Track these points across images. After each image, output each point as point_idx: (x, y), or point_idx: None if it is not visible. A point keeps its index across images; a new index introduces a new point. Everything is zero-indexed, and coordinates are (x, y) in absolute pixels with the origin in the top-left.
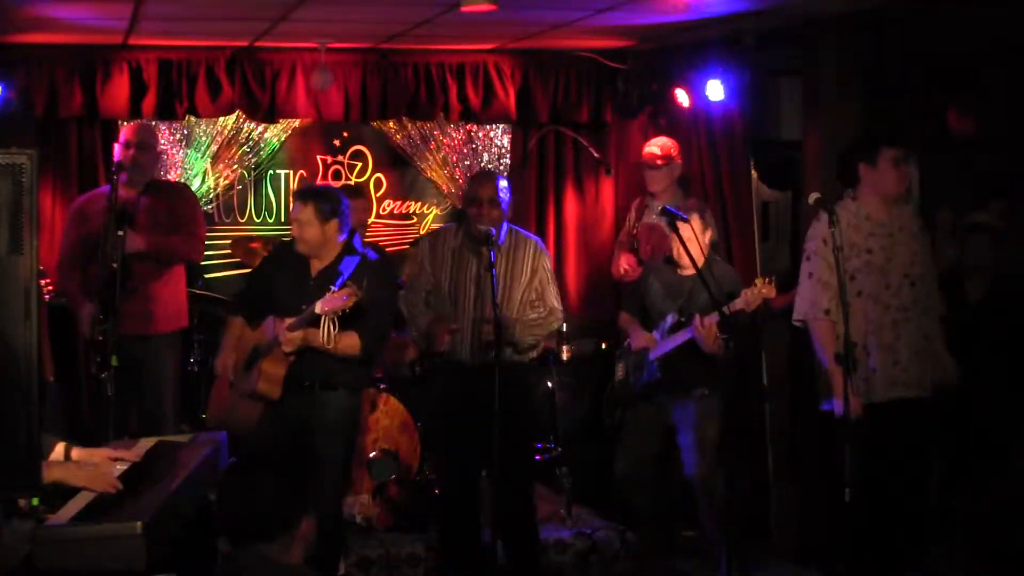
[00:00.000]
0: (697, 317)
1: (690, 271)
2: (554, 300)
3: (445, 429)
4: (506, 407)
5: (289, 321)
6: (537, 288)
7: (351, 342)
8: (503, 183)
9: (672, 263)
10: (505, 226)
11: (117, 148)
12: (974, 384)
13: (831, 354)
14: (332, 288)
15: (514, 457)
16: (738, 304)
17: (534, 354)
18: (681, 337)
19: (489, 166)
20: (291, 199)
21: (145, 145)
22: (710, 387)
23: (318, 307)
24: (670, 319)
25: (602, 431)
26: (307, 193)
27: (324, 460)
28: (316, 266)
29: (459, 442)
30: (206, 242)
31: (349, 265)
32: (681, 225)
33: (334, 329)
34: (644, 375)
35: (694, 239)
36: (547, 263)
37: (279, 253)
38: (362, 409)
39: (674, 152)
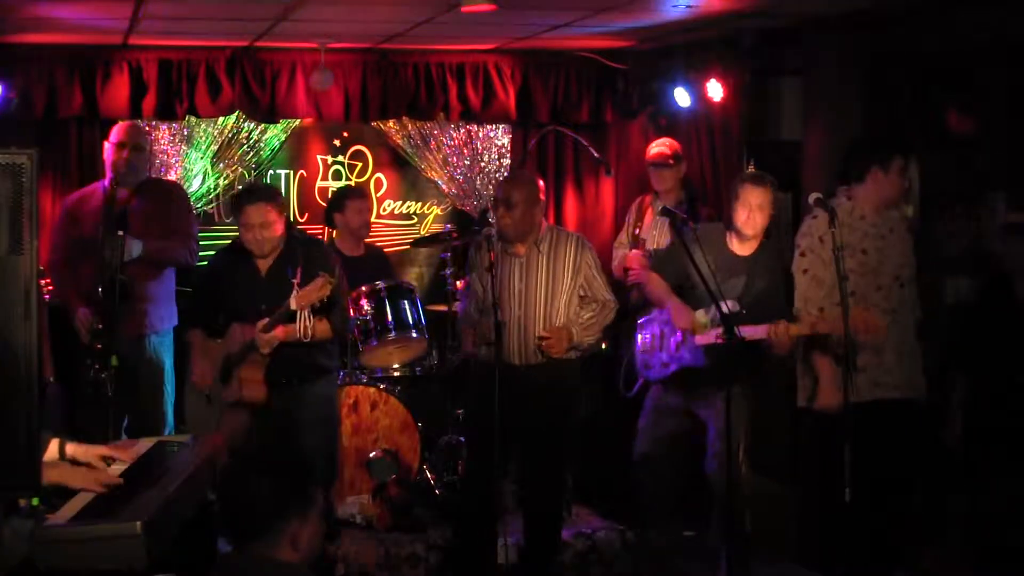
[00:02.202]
0: (778, 324)
1: (746, 252)
2: (604, 292)
3: (479, 428)
4: (551, 406)
5: (262, 323)
6: (584, 285)
7: (324, 328)
8: (526, 186)
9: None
10: (544, 226)
11: (108, 148)
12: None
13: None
14: (294, 280)
15: (552, 455)
16: (758, 333)
17: (585, 346)
18: (755, 332)
19: (490, 166)
20: (246, 205)
21: (139, 146)
22: (746, 385)
23: (294, 303)
24: (726, 307)
25: (602, 432)
26: (259, 194)
27: (312, 455)
28: (264, 264)
29: (489, 440)
30: (206, 242)
31: (297, 253)
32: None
33: (310, 321)
34: (686, 355)
35: (700, 252)
36: (590, 257)
37: (222, 260)
38: (338, 395)
39: (680, 151)
